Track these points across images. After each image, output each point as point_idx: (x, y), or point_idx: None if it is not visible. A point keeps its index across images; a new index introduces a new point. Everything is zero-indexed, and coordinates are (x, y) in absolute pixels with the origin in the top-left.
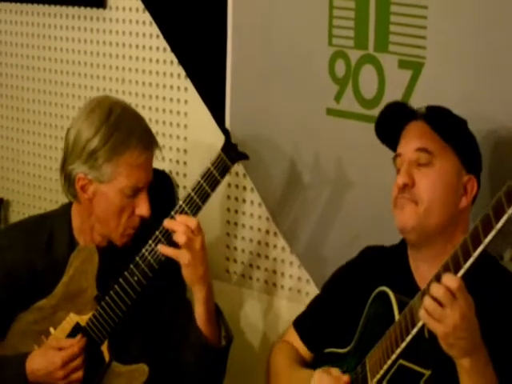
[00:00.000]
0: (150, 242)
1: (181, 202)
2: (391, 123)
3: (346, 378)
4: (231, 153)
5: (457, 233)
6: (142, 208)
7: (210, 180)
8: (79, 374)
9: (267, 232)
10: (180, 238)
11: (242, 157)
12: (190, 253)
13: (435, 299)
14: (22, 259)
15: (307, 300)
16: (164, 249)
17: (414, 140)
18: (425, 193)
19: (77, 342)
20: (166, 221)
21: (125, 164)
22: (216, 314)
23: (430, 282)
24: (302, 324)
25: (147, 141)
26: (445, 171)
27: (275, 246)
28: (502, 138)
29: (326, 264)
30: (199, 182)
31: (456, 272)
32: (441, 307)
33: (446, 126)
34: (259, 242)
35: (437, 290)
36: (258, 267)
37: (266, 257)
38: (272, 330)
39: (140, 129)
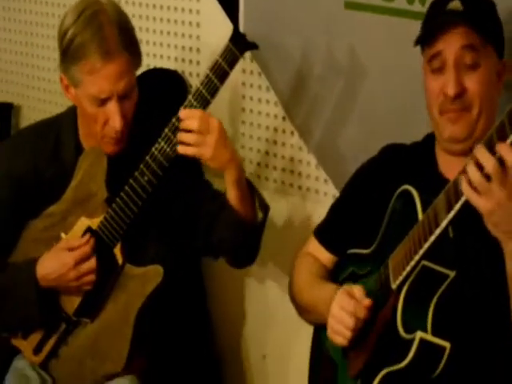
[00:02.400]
0: (160, 139)
1: (190, 97)
2: (430, 25)
3: (367, 301)
4: (240, 43)
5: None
6: (113, 120)
7: (219, 72)
8: (92, 276)
9: (283, 131)
10: (193, 124)
11: (250, 46)
12: (210, 141)
13: (481, 171)
14: (29, 166)
15: (325, 200)
16: (182, 149)
17: (457, 37)
18: (477, 97)
19: (87, 242)
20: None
21: (84, 71)
22: (248, 187)
23: (471, 157)
24: (323, 231)
25: (109, 49)
26: (489, 69)
27: (292, 146)
28: None
29: (345, 163)
30: (207, 74)
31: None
32: (487, 180)
33: (487, 21)
34: (275, 142)
35: (487, 159)
36: (275, 168)
37: (283, 157)
38: (289, 232)
39: (102, 36)
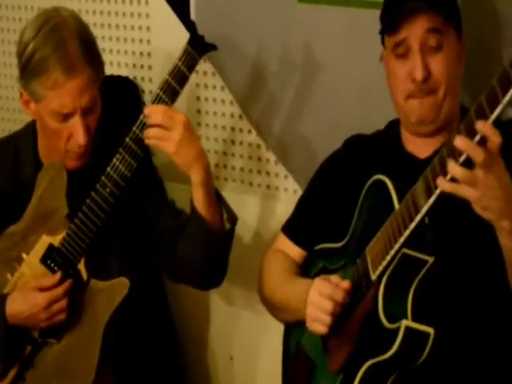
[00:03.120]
0: (121, 149)
1: (149, 104)
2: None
3: (345, 284)
4: (198, 45)
5: (457, 100)
6: (77, 135)
7: (179, 76)
8: (63, 315)
9: (241, 130)
10: (155, 118)
11: (209, 48)
12: (173, 136)
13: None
14: None
15: (286, 196)
16: (149, 133)
17: (422, 21)
18: (443, 78)
19: (62, 285)
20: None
21: (46, 86)
22: (216, 197)
23: (446, 145)
24: (291, 227)
25: (71, 65)
26: (452, 50)
27: (250, 144)
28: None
29: (305, 157)
30: (167, 79)
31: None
32: (469, 170)
33: (448, 3)
34: (233, 142)
35: (472, 148)
36: (234, 168)
37: (241, 156)
38: (252, 231)
39: (65, 50)
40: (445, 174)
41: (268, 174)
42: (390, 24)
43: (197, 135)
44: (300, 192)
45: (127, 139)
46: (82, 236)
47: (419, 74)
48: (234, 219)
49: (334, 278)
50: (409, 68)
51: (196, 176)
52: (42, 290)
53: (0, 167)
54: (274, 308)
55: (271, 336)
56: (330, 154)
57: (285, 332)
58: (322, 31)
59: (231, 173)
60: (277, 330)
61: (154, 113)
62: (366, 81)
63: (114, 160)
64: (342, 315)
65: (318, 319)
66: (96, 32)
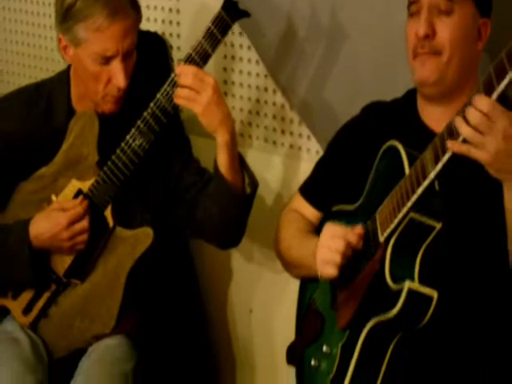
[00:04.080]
0: (151, 104)
1: (181, 62)
2: None
3: (359, 228)
4: (232, 10)
5: (472, 78)
6: (117, 78)
7: (211, 39)
8: (84, 236)
9: (265, 90)
10: (185, 79)
11: (243, 14)
12: (202, 98)
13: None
14: (19, 129)
15: (308, 156)
16: (179, 93)
17: None
18: (447, 42)
19: (80, 203)
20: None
21: (90, 29)
22: (239, 161)
23: (457, 115)
24: (308, 188)
25: (116, 8)
26: (464, 18)
27: (274, 104)
28: None
29: (327, 119)
30: (200, 41)
31: (489, 94)
32: (480, 134)
33: None
34: (258, 100)
35: (472, 115)
36: (258, 125)
37: (265, 115)
38: (274, 189)
39: None
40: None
41: (291, 134)
42: None
43: (224, 98)
44: (322, 153)
45: (158, 95)
46: (110, 184)
47: (421, 30)
48: (255, 185)
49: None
50: (417, 25)
51: (221, 138)
52: (64, 209)
53: (33, 111)
54: (288, 264)
55: (288, 290)
56: (348, 119)
57: (300, 286)
58: None
59: (255, 131)
60: (293, 285)
61: (184, 73)
62: (389, 44)
63: (145, 114)
64: (350, 272)
65: (329, 260)
66: None
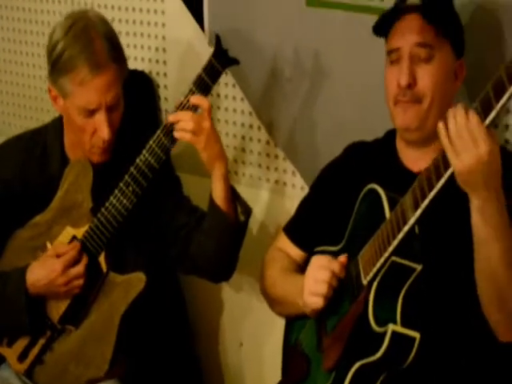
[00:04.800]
0: (144, 151)
1: (174, 109)
2: (386, 17)
3: (342, 257)
4: (222, 58)
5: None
6: (101, 131)
7: (202, 86)
8: (80, 281)
9: (251, 126)
10: (187, 124)
11: (233, 62)
12: (202, 135)
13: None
14: (16, 176)
15: (293, 192)
16: (179, 134)
17: (412, 34)
18: (428, 89)
19: (74, 247)
20: (168, 117)
21: (74, 82)
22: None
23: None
24: (292, 228)
25: (99, 61)
26: (443, 63)
27: (259, 140)
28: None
29: (311, 156)
30: (191, 88)
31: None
32: (462, 140)
33: (443, 17)
34: (243, 137)
35: (460, 118)
36: (243, 162)
37: (251, 151)
38: (260, 224)
39: (92, 48)
40: (431, 188)
41: (276, 169)
42: (380, 23)
43: (218, 134)
44: (307, 189)
45: (151, 142)
46: (103, 230)
47: (403, 80)
48: (248, 211)
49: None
50: (398, 73)
51: (219, 171)
52: (59, 256)
53: (28, 159)
54: (273, 301)
55: (279, 323)
56: (331, 160)
57: (286, 326)
58: (330, 35)
59: (241, 167)
60: (283, 319)
61: (184, 120)
62: (370, 85)
63: (138, 160)
64: (334, 314)
65: (316, 291)
66: (113, 27)
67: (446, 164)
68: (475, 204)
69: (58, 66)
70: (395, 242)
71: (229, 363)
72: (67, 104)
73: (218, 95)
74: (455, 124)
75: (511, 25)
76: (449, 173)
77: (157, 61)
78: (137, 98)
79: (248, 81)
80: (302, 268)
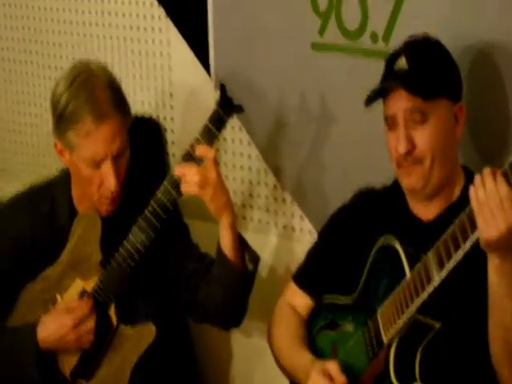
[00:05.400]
0: (152, 202)
1: (180, 160)
2: (375, 94)
3: (342, 379)
4: (227, 107)
5: (455, 166)
6: (108, 181)
7: (209, 136)
8: (90, 336)
9: (258, 171)
10: (193, 177)
11: (238, 110)
12: (208, 187)
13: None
14: (26, 231)
15: (301, 236)
16: (186, 188)
17: (403, 102)
18: (428, 150)
19: (85, 303)
20: (174, 170)
21: (79, 135)
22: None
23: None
24: (301, 275)
25: (101, 113)
26: (440, 120)
27: (266, 185)
28: (487, 60)
29: (319, 200)
30: (197, 138)
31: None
32: (491, 208)
33: (430, 82)
34: (250, 182)
35: (490, 186)
36: (251, 206)
37: (258, 196)
38: (269, 270)
39: (95, 100)
40: (457, 248)
41: (284, 214)
42: (372, 98)
43: (224, 183)
44: (315, 233)
45: (158, 193)
46: (113, 282)
47: (401, 148)
48: (256, 259)
49: (332, 368)
50: (396, 140)
51: (226, 220)
52: (70, 311)
53: (37, 214)
54: (278, 362)
55: None
56: (339, 206)
57: None
58: (335, 79)
59: (249, 212)
60: None
61: (190, 174)
62: (376, 129)
63: (146, 212)
64: (351, 370)
65: None
66: (120, 71)
67: (473, 226)
68: (494, 262)
69: (63, 119)
70: (418, 301)
71: None
72: (74, 157)
73: (225, 139)
74: (484, 192)
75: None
76: (476, 235)
77: (164, 105)
78: (145, 143)
79: (255, 125)
80: (309, 318)
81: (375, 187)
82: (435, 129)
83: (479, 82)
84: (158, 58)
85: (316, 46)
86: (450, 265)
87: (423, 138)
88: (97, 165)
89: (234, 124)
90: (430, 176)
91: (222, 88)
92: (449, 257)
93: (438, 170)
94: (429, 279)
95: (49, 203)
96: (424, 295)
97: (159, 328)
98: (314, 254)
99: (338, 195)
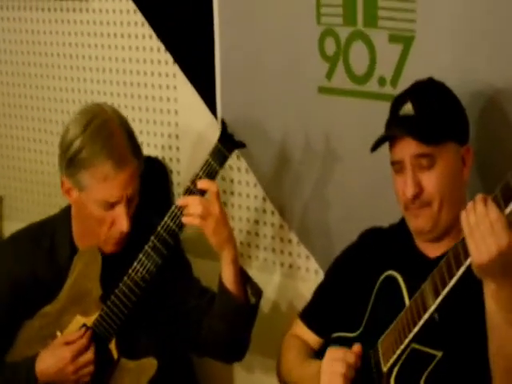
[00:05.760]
0: (153, 237)
1: (181, 195)
2: (381, 141)
3: (357, 347)
4: (228, 143)
5: (463, 207)
6: (121, 223)
7: (210, 171)
8: (90, 368)
9: (264, 211)
10: (196, 208)
11: (239, 145)
12: (210, 219)
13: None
14: (25, 269)
15: (307, 276)
16: (188, 219)
17: (410, 148)
18: (436, 193)
19: (84, 334)
20: (177, 201)
21: (96, 178)
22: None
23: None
24: (308, 314)
25: (120, 158)
26: (447, 164)
27: (273, 225)
28: (495, 105)
29: (325, 239)
30: (198, 174)
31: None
32: (482, 233)
33: (436, 130)
34: (257, 222)
35: (480, 211)
36: (257, 246)
37: (264, 235)
38: (274, 309)
39: (114, 145)
40: (451, 276)
41: (290, 254)
42: (378, 144)
43: (227, 217)
44: (321, 273)
45: (159, 228)
46: (113, 317)
47: (409, 192)
48: (259, 293)
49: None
50: (403, 184)
51: (228, 254)
52: (68, 343)
53: (38, 253)
54: None
55: None
56: (346, 246)
57: None
58: (341, 121)
59: (255, 251)
60: None
61: (193, 205)
62: (382, 169)
63: (146, 247)
64: None
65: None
66: (127, 114)
67: (466, 253)
68: (490, 289)
69: (75, 162)
70: (415, 329)
71: None
72: (83, 196)
73: (232, 181)
74: (475, 216)
75: None
76: (469, 261)
77: (170, 147)
78: (151, 184)
79: (261, 166)
80: (318, 353)
81: (382, 226)
82: (443, 172)
83: (488, 127)
84: (164, 103)
85: (323, 90)
86: (444, 291)
87: (431, 181)
88: (110, 206)
89: (240, 165)
90: (438, 218)
91: (223, 124)
92: (444, 284)
93: (447, 212)
94: (425, 307)
95: (49, 239)
96: (420, 323)
97: (161, 362)
98: (321, 293)
99: (345, 235)
